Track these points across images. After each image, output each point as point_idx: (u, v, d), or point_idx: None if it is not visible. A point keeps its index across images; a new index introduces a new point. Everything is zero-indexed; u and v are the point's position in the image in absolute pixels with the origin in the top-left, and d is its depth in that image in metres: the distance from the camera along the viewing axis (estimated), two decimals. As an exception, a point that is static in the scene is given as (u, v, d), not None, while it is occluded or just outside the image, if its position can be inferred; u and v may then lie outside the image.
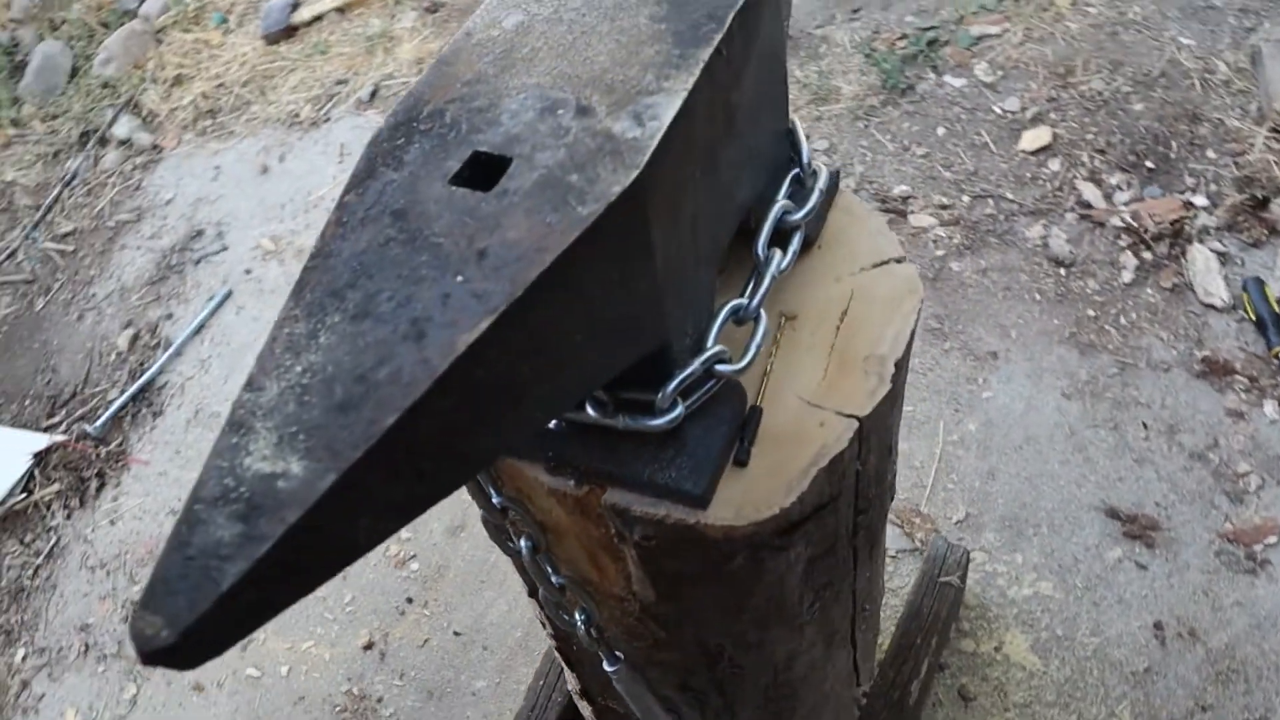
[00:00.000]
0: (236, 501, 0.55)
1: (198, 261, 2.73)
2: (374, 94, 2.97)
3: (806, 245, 0.97)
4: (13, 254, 2.85)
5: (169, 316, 2.64)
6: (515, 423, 0.66)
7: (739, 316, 0.84)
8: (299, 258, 2.61)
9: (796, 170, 0.92)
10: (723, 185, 0.80)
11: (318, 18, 3.12)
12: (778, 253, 0.87)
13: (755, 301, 0.84)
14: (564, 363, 0.67)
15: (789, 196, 0.91)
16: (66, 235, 2.87)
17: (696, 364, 0.79)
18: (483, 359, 0.59)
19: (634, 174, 0.64)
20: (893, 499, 1.22)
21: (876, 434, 0.92)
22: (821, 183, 0.93)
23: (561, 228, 0.62)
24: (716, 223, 0.81)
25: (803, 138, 0.92)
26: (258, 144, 3.00)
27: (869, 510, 1.03)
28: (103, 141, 3.08)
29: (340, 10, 3.15)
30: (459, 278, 0.61)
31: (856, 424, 0.85)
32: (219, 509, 0.55)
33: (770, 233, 0.88)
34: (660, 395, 0.78)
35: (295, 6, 3.19)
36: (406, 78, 2.95)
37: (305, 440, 0.56)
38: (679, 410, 0.80)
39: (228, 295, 2.58)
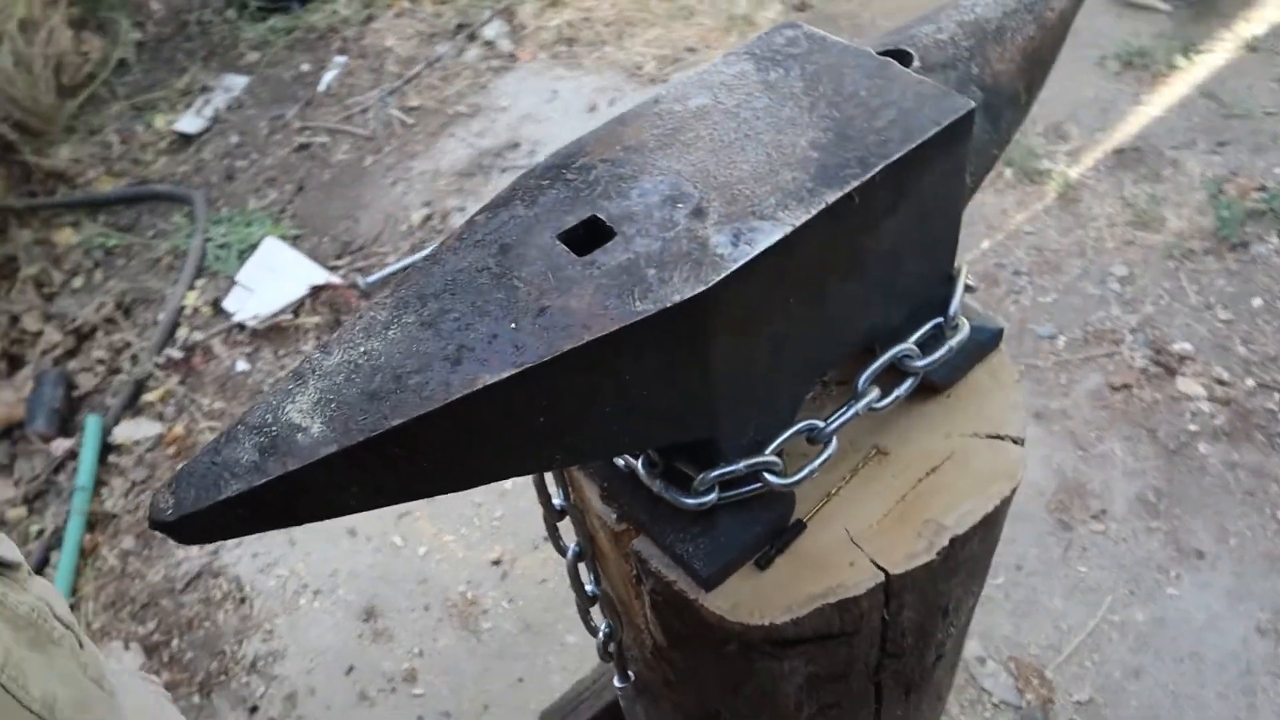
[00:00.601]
0: (264, 435, 0.66)
1: (504, 170, 2.99)
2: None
3: (934, 391, 0.96)
4: (365, 110, 3.25)
5: (461, 209, 2.91)
6: (524, 457, 0.73)
7: (811, 435, 0.86)
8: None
9: (939, 319, 0.91)
10: (831, 315, 0.81)
11: None
12: (876, 390, 0.87)
13: (829, 426, 0.85)
14: (589, 425, 0.73)
15: (923, 342, 0.90)
16: (413, 109, 3.23)
17: (742, 465, 0.82)
18: (498, 400, 0.66)
19: (699, 289, 0.68)
20: (956, 659, 1.19)
21: (917, 594, 0.91)
22: (957, 340, 0.91)
23: (613, 314, 0.68)
24: (814, 346, 0.83)
25: (960, 289, 0.91)
26: (597, 82, 3.20)
27: (903, 657, 1.01)
28: (471, 37, 3.40)
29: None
30: (512, 324, 0.68)
31: (883, 577, 0.85)
32: (250, 436, 0.66)
33: (879, 370, 0.88)
34: (699, 479, 0.82)
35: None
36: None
37: (335, 410, 0.66)
38: (711, 498, 0.83)
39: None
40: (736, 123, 0.80)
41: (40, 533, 2.40)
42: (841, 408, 0.87)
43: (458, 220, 2.88)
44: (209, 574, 2.29)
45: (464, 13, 3.56)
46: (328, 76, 3.58)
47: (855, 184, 0.73)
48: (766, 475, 0.83)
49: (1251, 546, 1.90)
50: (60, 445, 2.54)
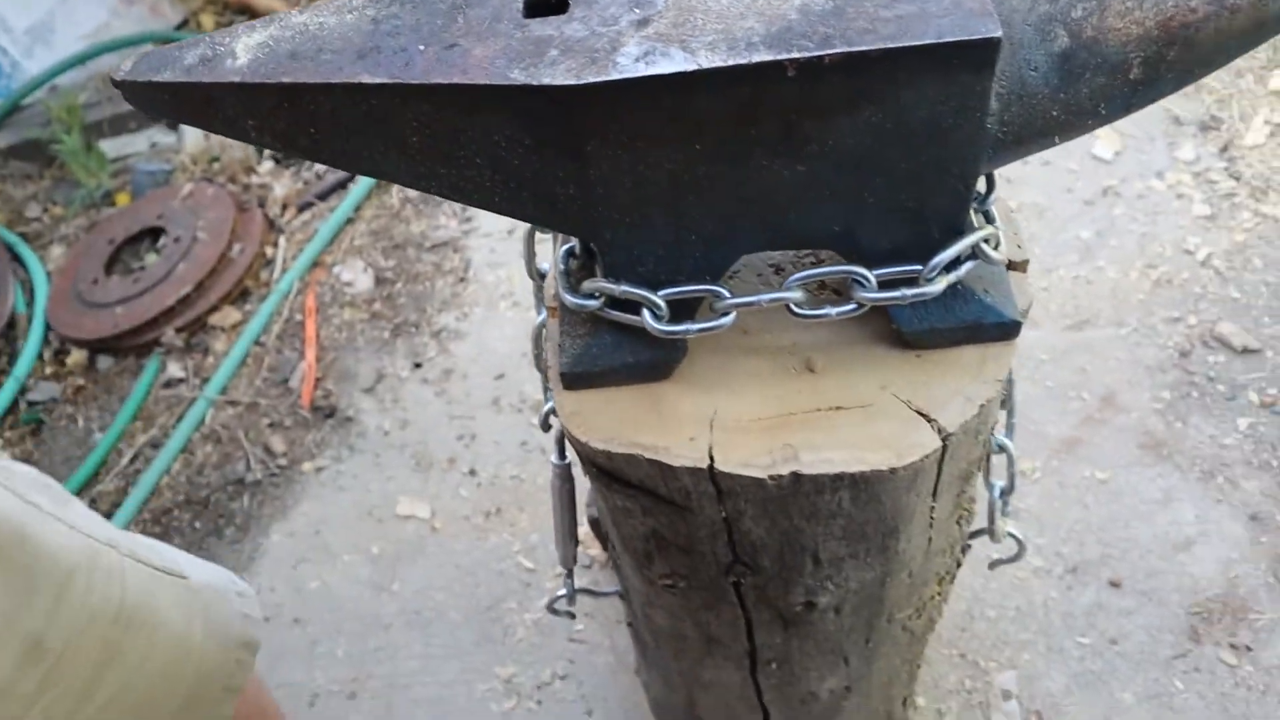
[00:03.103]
0: (211, 49, 0.76)
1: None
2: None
3: (905, 344, 0.89)
4: None
5: None
6: (399, 167, 0.78)
7: (715, 303, 0.83)
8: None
9: (917, 268, 0.82)
10: (762, 191, 0.77)
11: None
12: (799, 293, 0.82)
13: (731, 299, 0.82)
14: (460, 166, 0.76)
15: (894, 280, 0.82)
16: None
17: (620, 287, 0.82)
18: (368, 99, 0.72)
19: (568, 82, 0.68)
20: (868, 630, 1.13)
21: (759, 510, 0.88)
22: (921, 294, 0.82)
23: (491, 71, 0.70)
24: (738, 214, 0.78)
25: (958, 246, 0.81)
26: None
27: (762, 574, 0.99)
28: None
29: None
30: (422, 46, 0.73)
31: (706, 464, 0.83)
32: (205, 46, 0.77)
33: (814, 276, 0.83)
34: (585, 282, 0.84)
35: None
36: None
37: (264, 54, 0.75)
38: (590, 304, 0.85)
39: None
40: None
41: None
42: (763, 294, 0.83)
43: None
44: (452, 247, 2.59)
45: None
46: None
47: (795, 56, 0.68)
48: (645, 311, 0.83)
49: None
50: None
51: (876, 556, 0.98)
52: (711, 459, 0.83)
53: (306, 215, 2.77)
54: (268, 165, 2.93)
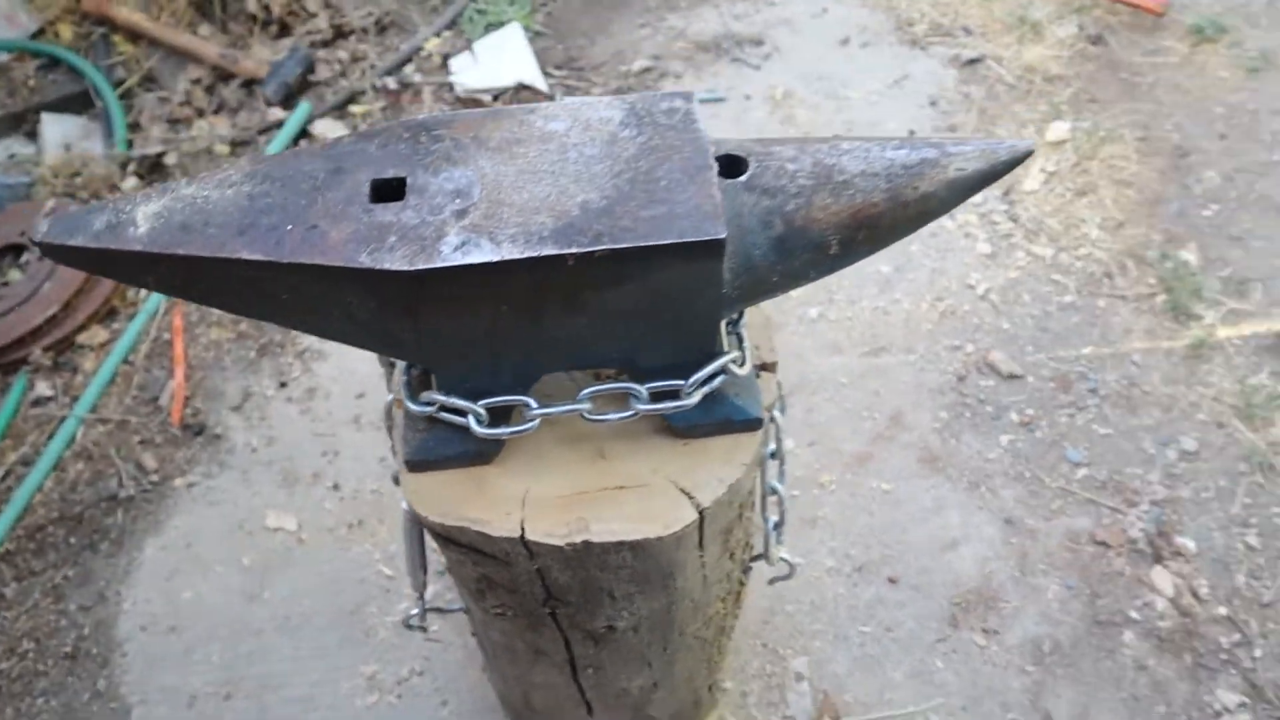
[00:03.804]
0: (116, 216, 0.95)
1: (733, 59, 3.12)
2: (975, 61, 3.02)
3: (676, 434, 1.14)
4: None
5: (678, 78, 3.06)
6: (276, 314, 0.99)
7: (526, 412, 1.07)
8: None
9: (678, 383, 1.07)
10: (556, 333, 1.00)
11: None
12: (588, 404, 1.07)
13: (536, 410, 1.06)
14: (323, 316, 0.98)
15: (667, 392, 1.08)
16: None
17: (450, 399, 1.05)
18: (249, 270, 0.92)
19: (403, 268, 0.90)
20: (666, 641, 1.39)
21: (562, 565, 1.13)
22: (681, 406, 1.07)
23: (345, 254, 0.91)
24: (539, 347, 1.02)
25: (707, 371, 1.06)
26: (864, 18, 3.20)
27: (570, 606, 1.24)
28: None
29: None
30: (289, 226, 0.93)
31: (518, 534, 1.08)
32: (111, 213, 0.95)
33: (599, 391, 1.07)
34: (422, 394, 1.06)
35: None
36: (1008, 67, 2.95)
37: (159, 224, 0.94)
38: (426, 409, 1.07)
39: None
40: (560, 158, 0.99)
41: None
42: (561, 405, 1.07)
43: (666, 86, 3.06)
44: (317, 270, 2.74)
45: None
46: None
47: (573, 251, 0.91)
48: (470, 418, 1.06)
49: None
50: (274, 114, 3.03)
51: (659, 593, 1.24)
52: (523, 530, 1.07)
53: (172, 233, 2.86)
54: (131, 182, 3.01)
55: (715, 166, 0.99)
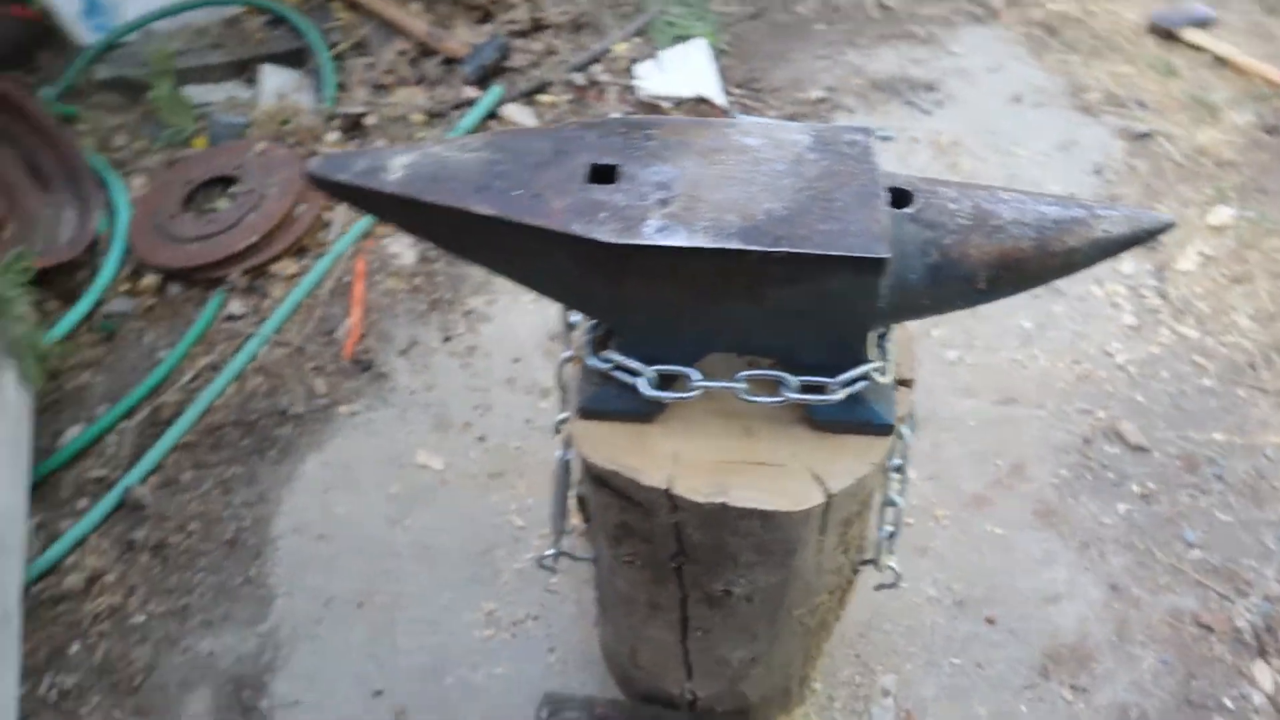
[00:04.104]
0: (376, 162, 1.14)
1: (906, 103, 3.21)
2: (1145, 135, 3.03)
3: (815, 425, 1.27)
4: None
5: (850, 112, 3.17)
6: (497, 263, 1.17)
7: (690, 381, 1.22)
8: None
9: (825, 380, 1.20)
10: (730, 318, 1.15)
11: (1197, 48, 3.13)
12: (745, 385, 1.21)
13: (698, 382, 1.20)
14: (536, 268, 1.15)
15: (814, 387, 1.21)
16: (885, 7, 3.45)
17: (626, 360, 1.20)
18: (476, 223, 1.10)
19: (610, 240, 1.06)
20: (770, 621, 1.52)
21: (699, 523, 1.27)
22: (825, 402, 1.20)
23: (560, 221, 1.08)
24: (715, 328, 1.17)
25: (853, 373, 1.19)
26: (1040, 78, 3.24)
27: (698, 564, 1.38)
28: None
29: (1219, 60, 3.12)
30: (518, 191, 1.11)
31: (664, 488, 1.22)
32: (374, 158, 1.15)
33: (755, 375, 1.21)
34: (602, 352, 1.23)
35: (1205, 23, 3.21)
36: (1178, 145, 2.96)
37: (409, 173, 1.13)
38: (604, 366, 1.23)
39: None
40: (752, 169, 1.14)
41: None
42: (721, 381, 1.22)
43: (839, 118, 3.17)
44: (491, 241, 2.97)
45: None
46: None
47: (755, 248, 1.06)
48: (641, 379, 1.21)
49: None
50: (468, 92, 3.28)
51: (778, 567, 1.37)
52: (671, 483, 1.22)
53: (368, 188, 3.14)
54: (333, 135, 3.30)
55: (886, 196, 1.12)
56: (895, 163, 3.03)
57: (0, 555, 2.22)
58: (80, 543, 2.47)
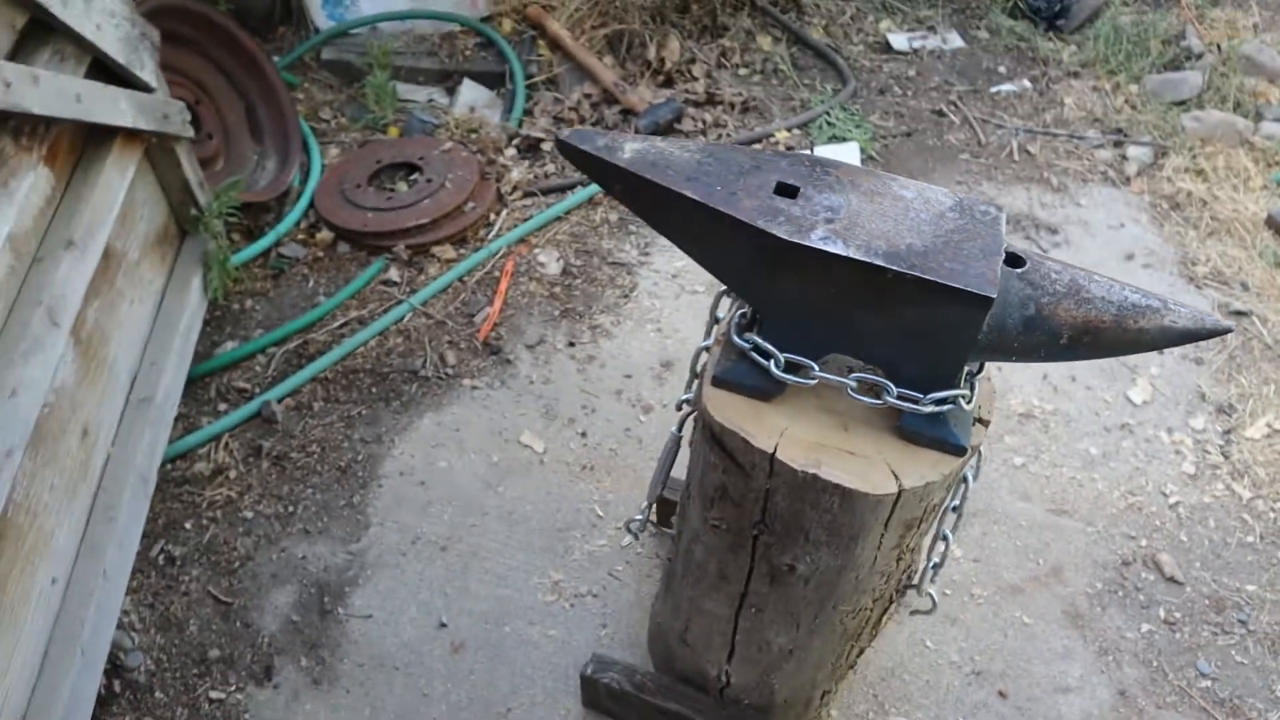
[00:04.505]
0: (613, 142, 1.47)
1: (1027, 238, 3.50)
2: (1241, 314, 3.25)
3: (903, 435, 1.54)
4: (1002, 126, 3.79)
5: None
6: (685, 240, 1.48)
7: (810, 372, 1.50)
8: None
9: (917, 395, 1.47)
10: (856, 323, 1.43)
11: None
12: (853, 383, 1.48)
13: (815, 372, 1.49)
14: (711, 247, 1.45)
15: (910, 398, 1.48)
16: (1027, 153, 3.77)
17: (760, 344, 1.49)
18: (679, 202, 1.41)
19: (779, 236, 1.36)
20: (820, 610, 1.76)
21: (786, 489, 1.53)
22: (915, 416, 1.47)
23: (747, 215, 1.38)
24: (843, 331, 1.46)
25: (942, 394, 1.46)
26: (1157, 244, 3.50)
27: (773, 534, 1.64)
28: (1118, 144, 3.80)
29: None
30: (719, 187, 1.42)
31: (770, 451, 1.49)
32: (610, 138, 1.48)
33: (865, 379, 1.49)
34: (744, 334, 1.52)
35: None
36: (1270, 330, 3.17)
37: (635, 155, 1.45)
38: (745, 345, 1.52)
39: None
40: (903, 213, 1.43)
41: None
42: (835, 376, 1.50)
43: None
44: (628, 269, 3.30)
45: (1138, 123, 3.95)
46: (1006, 87, 4.20)
47: (894, 268, 1.35)
48: (772, 361, 1.50)
49: None
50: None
51: (841, 551, 1.62)
52: (775, 449, 1.50)
53: (528, 201, 3.52)
54: (510, 152, 3.70)
55: (1003, 256, 1.40)
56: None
57: (154, 427, 2.57)
58: (215, 438, 2.81)
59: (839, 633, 1.88)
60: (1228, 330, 1.40)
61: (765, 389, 1.55)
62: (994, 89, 4.24)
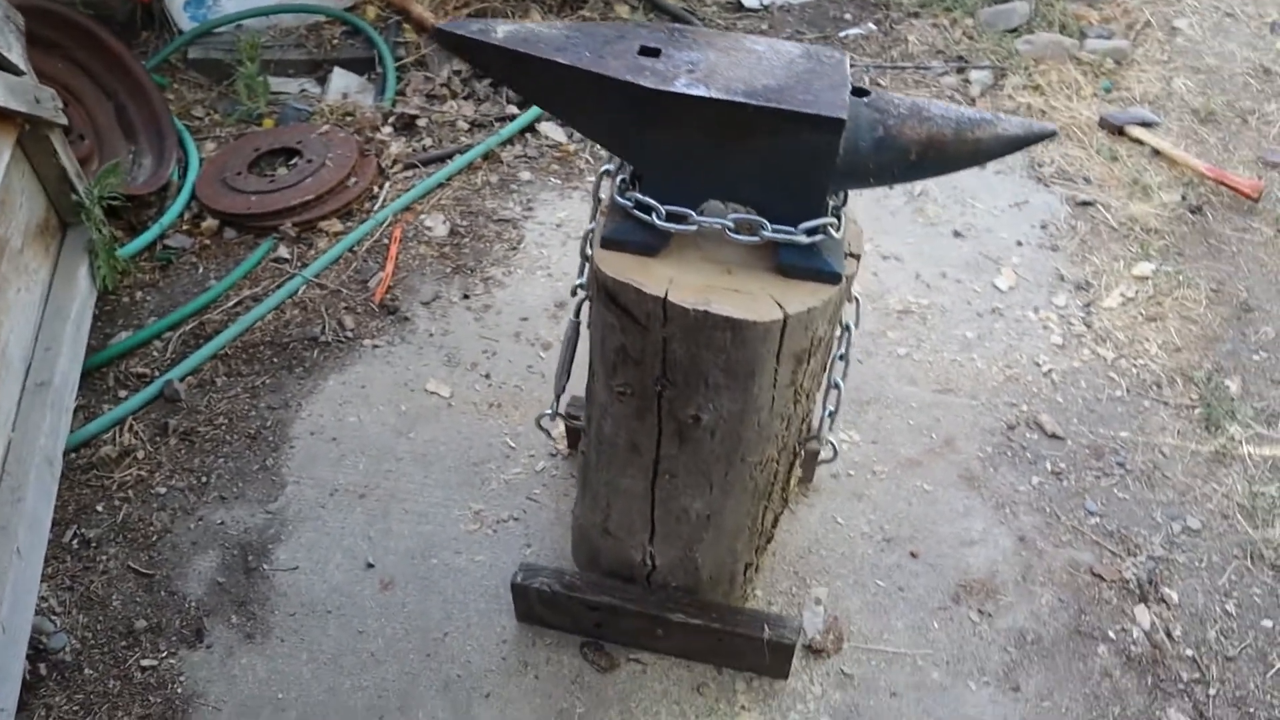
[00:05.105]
0: (486, 25, 1.56)
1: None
2: (1087, 204, 3.52)
3: (783, 272, 1.66)
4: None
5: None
6: (556, 105, 1.57)
7: (686, 218, 1.61)
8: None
9: (786, 230, 1.60)
10: (726, 164, 1.55)
11: (1139, 142, 3.67)
12: (731, 223, 1.60)
13: (695, 218, 1.60)
14: (583, 109, 1.56)
15: (784, 234, 1.60)
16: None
17: (641, 197, 1.60)
18: (549, 69, 1.51)
19: (642, 84, 1.47)
20: (728, 466, 1.87)
21: (682, 336, 1.64)
22: (781, 241, 1.60)
23: (615, 70, 1.49)
24: (714, 172, 1.57)
25: (808, 224, 1.59)
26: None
27: (676, 388, 1.74)
28: (960, 71, 4.09)
29: (1157, 153, 3.66)
30: (587, 52, 1.52)
31: (662, 295, 1.60)
32: (485, 23, 1.57)
33: (737, 218, 1.61)
34: (626, 193, 1.62)
35: (1148, 124, 3.77)
36: (1114, 214, 3.44)
37: (508, 35, 1.55)
38: (626, 203, 1.63)
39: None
40: (756, 62, 1.56)
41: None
42: (714, 219, 1.61)
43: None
44: (513, 225, 3.39)
45: (977, 51, 4.23)
46: (853, 31, 4.45)
47: (750, 102, 1.47)
48: (654, 215, 1.61)
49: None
50: (511, 109, 3.75)
51: (740, 393, 1.74)
52: (666, 295, 1.60)
53: (410, 173, 3.57)
54: (387, 130, 3.75)
55: (849, 88, 1.54)
56: (871, 204, 3.49)
57: (54, 411, 2.54)
58: (119, 421, 2.79)
59: (750, 490, 2.00)
60: (1052, 133, 1.57)
61: (651, 243, 1.66)
62: (842, 34, 4.47)
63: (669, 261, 1.67)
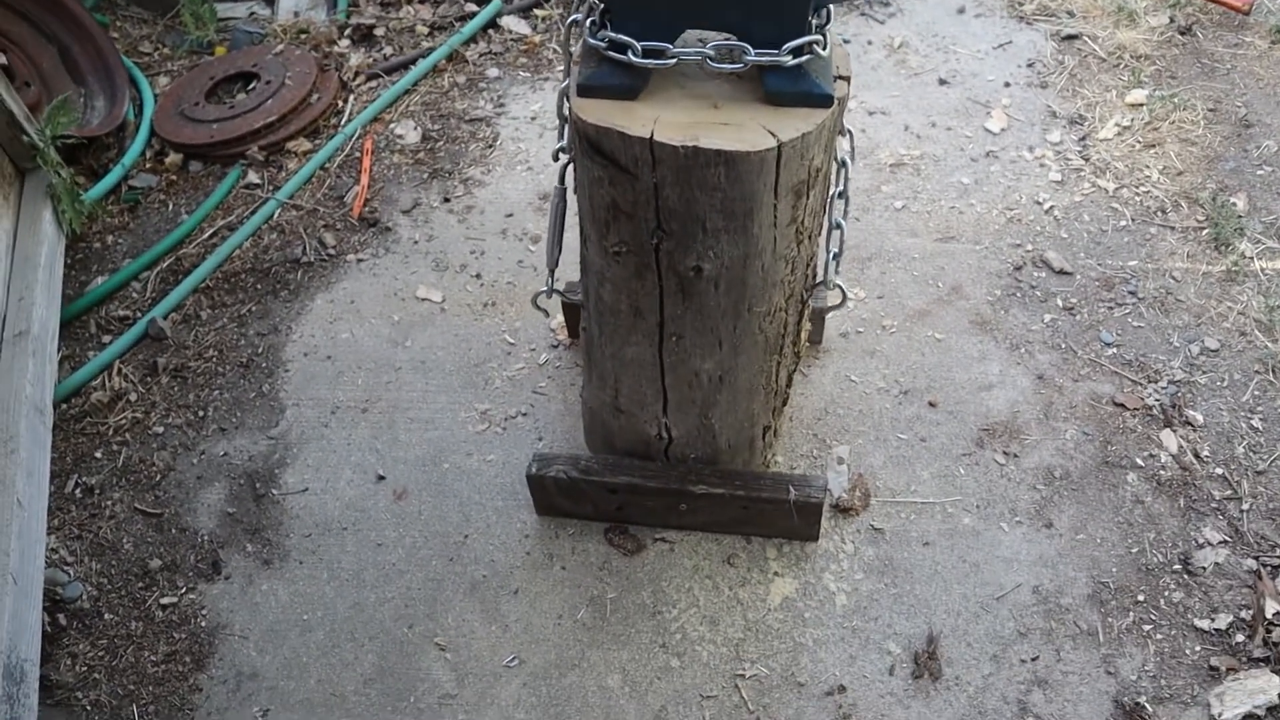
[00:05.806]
0: None
1: (862, 14, 3.57)
2: (1072, 37, 3.39)
3: (773, 102, 1.57)
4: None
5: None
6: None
7: (665, 52, 1.51)
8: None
9: (771, 53, 1.50)
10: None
11: None
12: (712, 52, 1.50)
13: (673, 51, 1.50)
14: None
15: (766, 58, 1.50)
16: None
17: (614, 35, 1.50)
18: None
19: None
20: (736, 313, 1.80)
21: (675, 179, 1.55)
22: (766, 62, 1.50)
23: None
24: (685, 4, 1.47)
25: (793, 44, 1.49)
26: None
27: (673, 238, 1.66)
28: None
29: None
30: None
31: (648, 135, 1.51)
32: None
33: (719, 44, 1.51)
34: (598, 32, 1.52)
35: None
36: (1101, 44, 3.31)
37: None
38: (599, 43, 1.52)
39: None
40: None
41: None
42: (693, 49, 1.51)
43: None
44: (486, 123, 3.27)
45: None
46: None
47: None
48: (629, 52, 1.51)
49: (1093, 551, 2.23)
50: (470, 7, 3.60)
51: (740, 235, 1.65)
52: (653, 135, 1.51)
53: (374, 83, 3.44)
54: (345, 43, 3.60)
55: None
56: (851, 61, 3.36)
57: (37, 359, 2.47)
58: (107, 367, 2.71)
59: (761, 344, 1.93)
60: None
61: (629, 84, 1.56)
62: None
63: (651, 102, 1.58)
